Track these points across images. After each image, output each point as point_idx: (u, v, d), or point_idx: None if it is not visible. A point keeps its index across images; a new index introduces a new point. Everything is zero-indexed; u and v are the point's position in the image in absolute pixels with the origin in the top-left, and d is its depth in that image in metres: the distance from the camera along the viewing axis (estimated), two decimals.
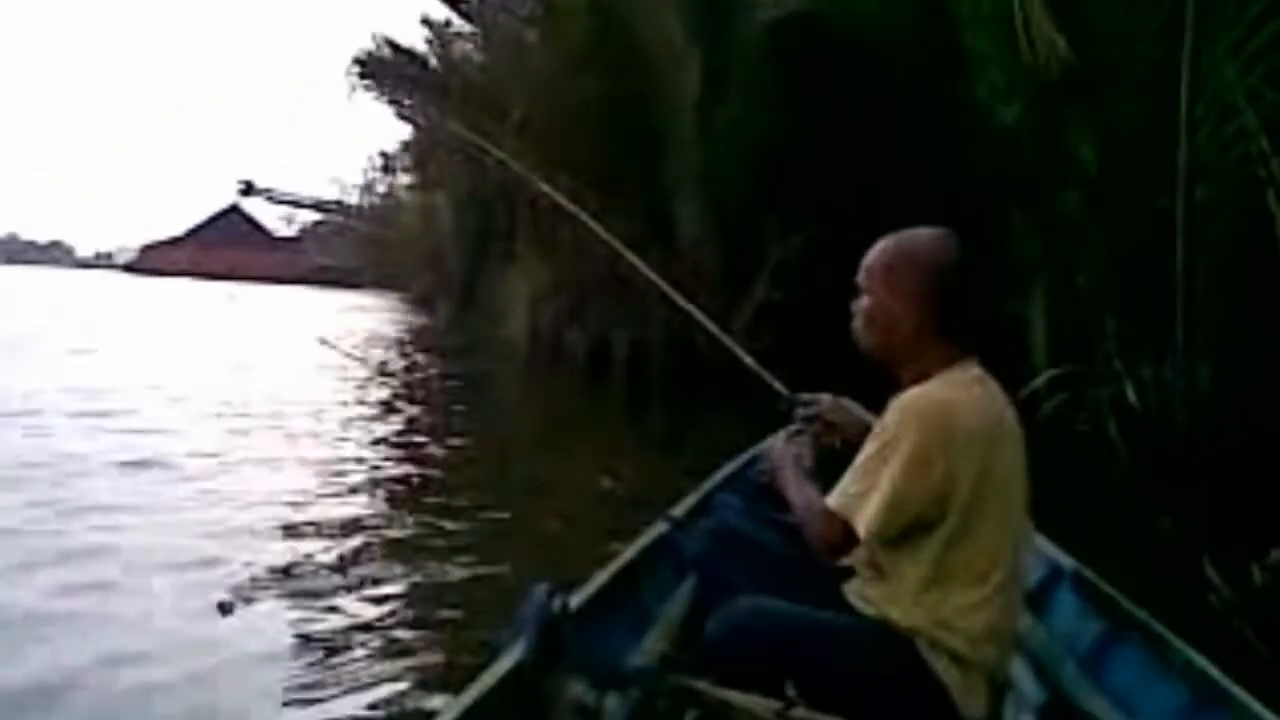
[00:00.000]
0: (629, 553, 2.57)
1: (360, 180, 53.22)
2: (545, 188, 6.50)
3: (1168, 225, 3.49)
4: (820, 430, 2.53)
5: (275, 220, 69.95)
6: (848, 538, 1.95)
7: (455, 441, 8.20)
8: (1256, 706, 1.79)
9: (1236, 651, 3.14)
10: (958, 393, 1.95)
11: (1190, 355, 3.45)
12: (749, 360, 3.38)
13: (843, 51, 9.70)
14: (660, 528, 2.81)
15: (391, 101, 21.36)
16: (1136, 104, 4.42)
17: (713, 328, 3.86)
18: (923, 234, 2.07)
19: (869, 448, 1.96)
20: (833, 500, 1.99)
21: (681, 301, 4.04)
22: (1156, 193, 3.94)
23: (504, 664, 1.75)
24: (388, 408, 10.05)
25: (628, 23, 12.69)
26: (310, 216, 64.24)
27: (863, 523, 1.91)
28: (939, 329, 2.02)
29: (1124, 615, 2.37)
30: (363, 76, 20.11)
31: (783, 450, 2.33)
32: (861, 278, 2.11)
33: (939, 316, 2.01)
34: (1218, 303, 3.70)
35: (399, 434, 8.37)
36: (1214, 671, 1.97)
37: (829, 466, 2.24)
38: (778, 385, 3.06)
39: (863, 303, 2.10)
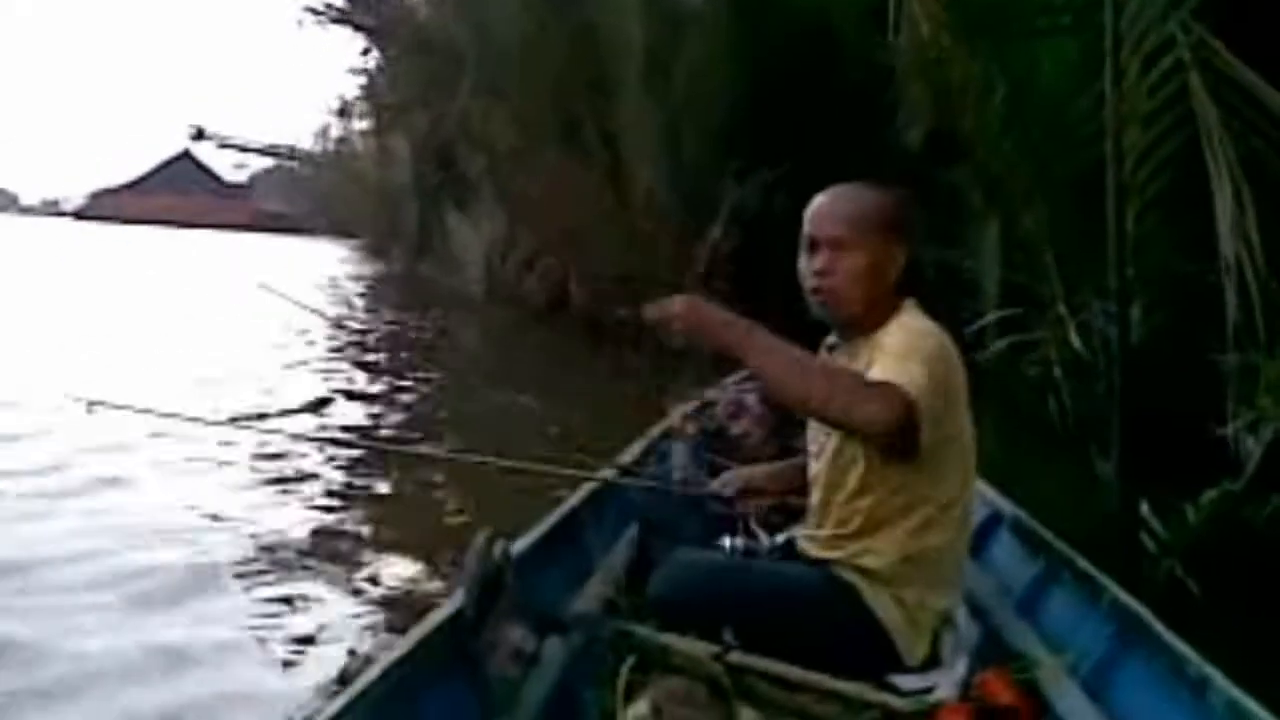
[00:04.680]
0: (573, 500, 2.57)
1: (315, 126, 52.37)
2: None
3: (1098, 173, 3.52)
4: None
5: (227, 167, 68.68)
6: (908, 408, 1.70)
7: (405, 394, 8.17)
8: (1179, 644, 1.84)
9: (1170, 590, 3.24)
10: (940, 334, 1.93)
11: (1123, 299, 3.49)
12: None
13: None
14: (605, 475, 2.81)
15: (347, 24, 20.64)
16: (1063, 49, 4.45)
17: None
18: (871, 187, 2.04)
19: (886, 356, 1.83)
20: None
21: None
22: (1085, 143, 3.99)
23: (443, 610, 1.75)
24: (332, 358, 9.94)
25: None
26: (263, 163, 63.19)
27: (913, 388, 1.72)
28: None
29: (1059, 558, 2.41)
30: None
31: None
32: (839, 234, 1.98)
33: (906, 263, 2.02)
34: (1148, 245, 3.76)
35: (344, 385, 8.31)
36: (1142, 611, 2.02)
37: None
38: None
39: (844, 261, 1.97)
